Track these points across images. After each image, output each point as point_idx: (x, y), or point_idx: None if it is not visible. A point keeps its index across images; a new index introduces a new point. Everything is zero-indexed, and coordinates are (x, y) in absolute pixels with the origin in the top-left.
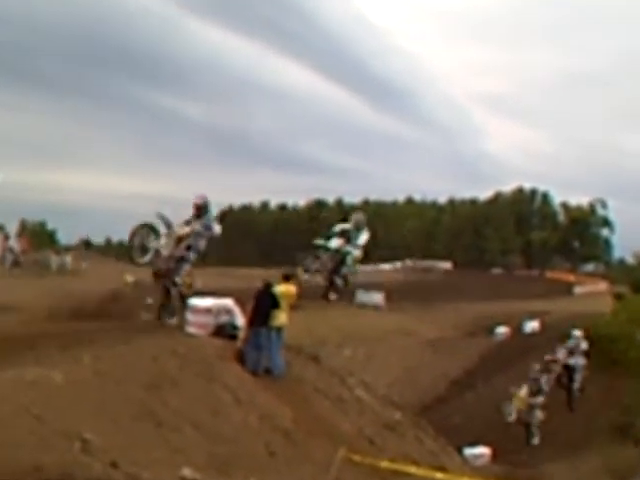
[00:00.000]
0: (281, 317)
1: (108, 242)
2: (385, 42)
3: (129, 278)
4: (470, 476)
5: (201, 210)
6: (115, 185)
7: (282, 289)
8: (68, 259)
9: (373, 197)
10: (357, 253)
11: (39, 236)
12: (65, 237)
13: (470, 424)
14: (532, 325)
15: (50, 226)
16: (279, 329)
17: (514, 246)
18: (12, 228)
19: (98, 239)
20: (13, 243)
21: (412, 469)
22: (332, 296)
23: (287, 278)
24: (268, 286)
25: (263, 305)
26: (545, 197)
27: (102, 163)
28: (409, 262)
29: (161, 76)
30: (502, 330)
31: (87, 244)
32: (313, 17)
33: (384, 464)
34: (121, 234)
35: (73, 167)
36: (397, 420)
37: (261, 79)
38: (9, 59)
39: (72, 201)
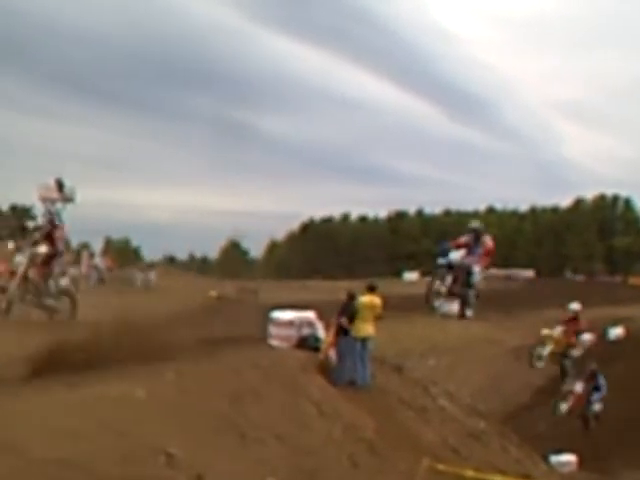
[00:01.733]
0: (366, 328)
1: (191, 257)
2: (460, 51)
3: (213, 293)
4: None
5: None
6: (197, 201)
7: (366, 300)
8: (152, 275)
9: (453, 207)
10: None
11: (124, 253)
12: (149, 253)
13: (555, 432)
14: (616, 332)
15: (134, 243)
16: (364, 340)
17: (597, 253)
18: (97, 246)
19: (181, 255)
20: (98, 261)
21: (497, 478)
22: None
23: (372, 289)
24: (352, 297)
25: (347, 316)
26: (627, 203)
27: (183, 180)
28: (494, 270)
29: (237, 90)
30: (586, 337)
31: (171, 260)
32: (388, 27)
33: (469, 473)
34: (204, 249)
35: (156, 184)
36: (481, 429)
37: (337, 90)
38: (88, 79)
39: (156, 218)
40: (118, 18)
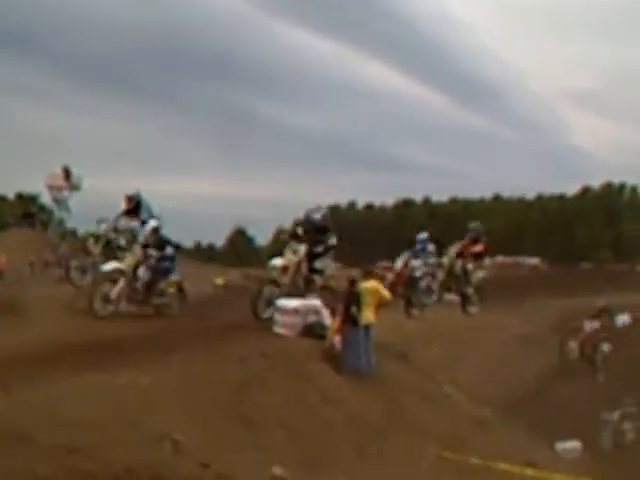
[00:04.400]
0: (367, 315)
1: (198, 246)
2: (471, 40)
3: (219, 280)
4: (561, 472)
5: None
6: (204, 189)
7: (368, 286)
8: None
9: (460, 195)
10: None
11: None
12: None
13: (561, 419)
14: (624, 318)
15: None
16: (366, 327)
17: (604, 240)
18: None
19: (187, 243)
20: None
21: (503, 465)
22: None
23: (369, 274)
24: (353, 284)
25: (350, 303)
26: (634, 190)
27: (190, 168)
28: (500, 258)
29: (251, 80)
30: (594, 325)
31: (177, 248)
32: (399, 15)
33: (474, 460)
34: (210, 237)
35: (161, 172)
36: (487, 416)
37: (345, 79)
38: (103, 69)
39: (162, 206)
40: (128, 6)
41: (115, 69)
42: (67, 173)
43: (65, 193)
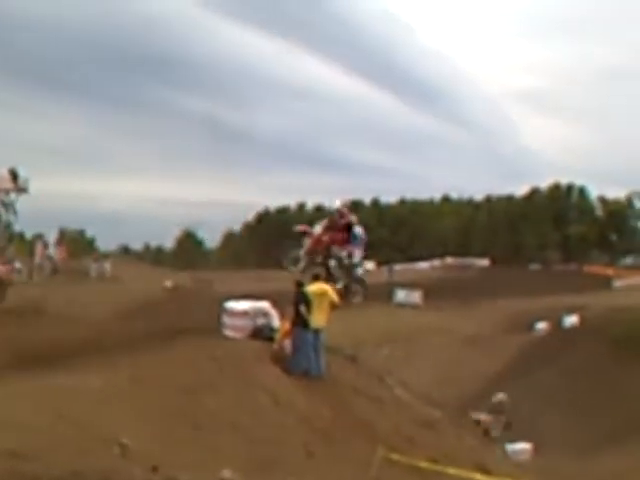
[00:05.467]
0: (317, 318)
1: (146, 248)
2: (420, 42)
3: (168, 283)
4: (510, 476)
5: None
6: (152, 191)
7: (315, 289)
8: (107, 266)
9: (409, 196)
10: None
11: (78, 244)
12: (104, 244)
13: (511, 420)
14: (571, 320)
15: (89, 233)
16: (316, 330)
17: (552, 241)
18: (51, 236)
19: (136, 245)
20: (52, 251)
21: (451, 470)
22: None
23: (317, 277)
24: (299, 285)
25: (298, 305)
26: (582, 192)
27: (138, 169)
28: (449, 260)
29: (195, 81)
30: (541, 325)
31: (125, 250)
32: (349, 18)
33: (423, 464)
34: (159, 239)
35: (110, 174)
36: (436, 418)
37: (297, 81)
38: (43, 68)
39: (110, 208)
40: (77, 8)
41: (57, 69)
42: (14, 175)
43: (12, 196)
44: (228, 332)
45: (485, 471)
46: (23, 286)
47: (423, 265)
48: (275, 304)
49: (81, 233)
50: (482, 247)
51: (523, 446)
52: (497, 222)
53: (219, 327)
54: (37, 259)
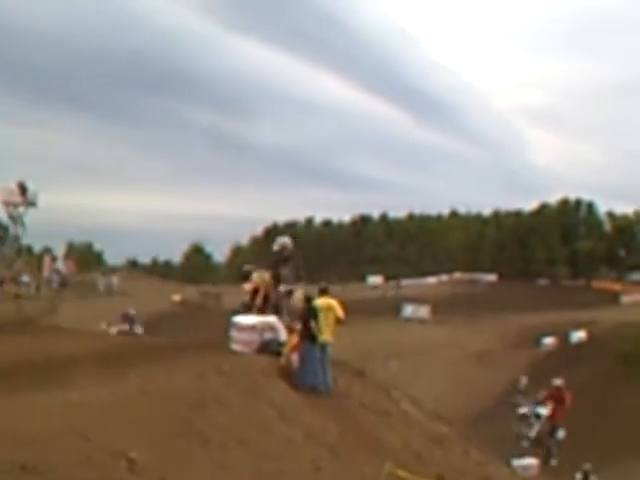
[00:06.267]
0: (324, 332)
1: (154, 262)
2: (428, 56)
3: (176, 297)
4: None
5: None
6: (161, 205)
7: (321, 303)
8: (115, 280)
9: (418, 211)
10: None
11: (86, 258)
12: (112, 258)
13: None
14: (579, 335)
15: (97, 247)
16: (323, 345)
17: (560, 257)
18: (59, 250)
19: (144, 259)
20: (60, 265)
21: None
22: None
23: (324, 291)
24: (308, 301)
25: (307, 320)
26: (590, 207)
27: (147, 184)
28: (457, 275)
29: (203, 94)
30: (549, 341)
31: (133, 264)
32: (356, 32)
33: None
34: (167, 254)
35: (118, 188)
36: (444, 433)
37: (305, 96)
38: (54, 84)
39: (118, 222)
40: (84, 22)
41: (68, 82)
42: (23, 189)
43: (21, 209)
44: (236, 346)
45: None
46: (31, 299)
47: (431, 280)
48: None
49: (89, 247)
50: (490, 262)
51: (530, 461)
52: (505, 237)
53: (227, 341)
54: (45, 273)
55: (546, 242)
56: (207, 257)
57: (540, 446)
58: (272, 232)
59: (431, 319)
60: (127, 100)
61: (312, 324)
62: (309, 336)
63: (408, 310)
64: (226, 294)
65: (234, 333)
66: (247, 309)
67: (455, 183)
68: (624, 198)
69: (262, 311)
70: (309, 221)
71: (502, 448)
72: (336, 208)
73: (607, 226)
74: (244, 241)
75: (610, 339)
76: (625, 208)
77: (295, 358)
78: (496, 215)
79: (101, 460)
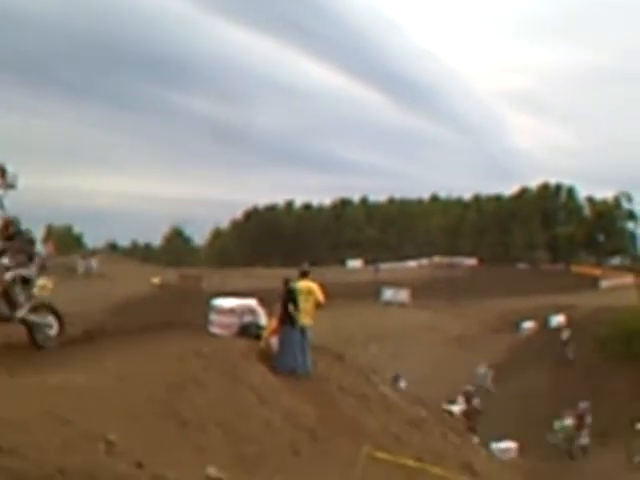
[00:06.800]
0: (303, 315)
1: (134, 245)
2: (410, 41)
3: (156, 280)
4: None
5: None
6: (141, 188)
7: (301, 286)
8: (94, 262)
9: (398, 195)
10: None
11: (65, 240)
12: (91, 241)
13: (497, 419)
14: (558, 320)
15: (76, 230)
16: (303, 328)
17: (540, 241)
18: (38, 233)
19: (124, 242)
20: (39, 248)
21: (436, 469)
22: None
23: (304, 274)
24: (286, 283)
25: (286, 303)
26: (570, 192)
27: (126, 166)
28: (437, 258)
29: (184, 78)
30: (528, 325)
31: (113, 247)
32: (339, 17)
33: (409, 462)
34: (147, 236)
35: (98, 171)
36: (422, 417)
37: (287, 80)
38: (30, 65)
39: (98, 205)
40: (67, 6)
41: (49, 65)
42: (2, 171)
43: (0, 192)
44: (215, 329)
45: (471, 470)
46: None
47: (411, 264)
48: (262, 301)
49: (68, 230)
50: (470, 246)
51: (508, 445)
52: (485, 221)
53: (206, 324)
54: None
55: (526, 226)
56: (187, 240)
57: None
58: (252, 215)
59: (411, 303)
60: (109, 84)
61: (291, 308)
62: (289, 319)
63: (388, 294)
64: (206, 277)
65: (213, 316)
66: None
67: (436, 167)
68: (604, 183)
69: None
70: (289, 204)
71: (481, 431)
72: (316, 192)
73: (587, 211)
74: (224, 224)
75: (589, 324)
76: (605, 193)
77: (274, 341)
78: (476, 199)
79: (79, 443)
